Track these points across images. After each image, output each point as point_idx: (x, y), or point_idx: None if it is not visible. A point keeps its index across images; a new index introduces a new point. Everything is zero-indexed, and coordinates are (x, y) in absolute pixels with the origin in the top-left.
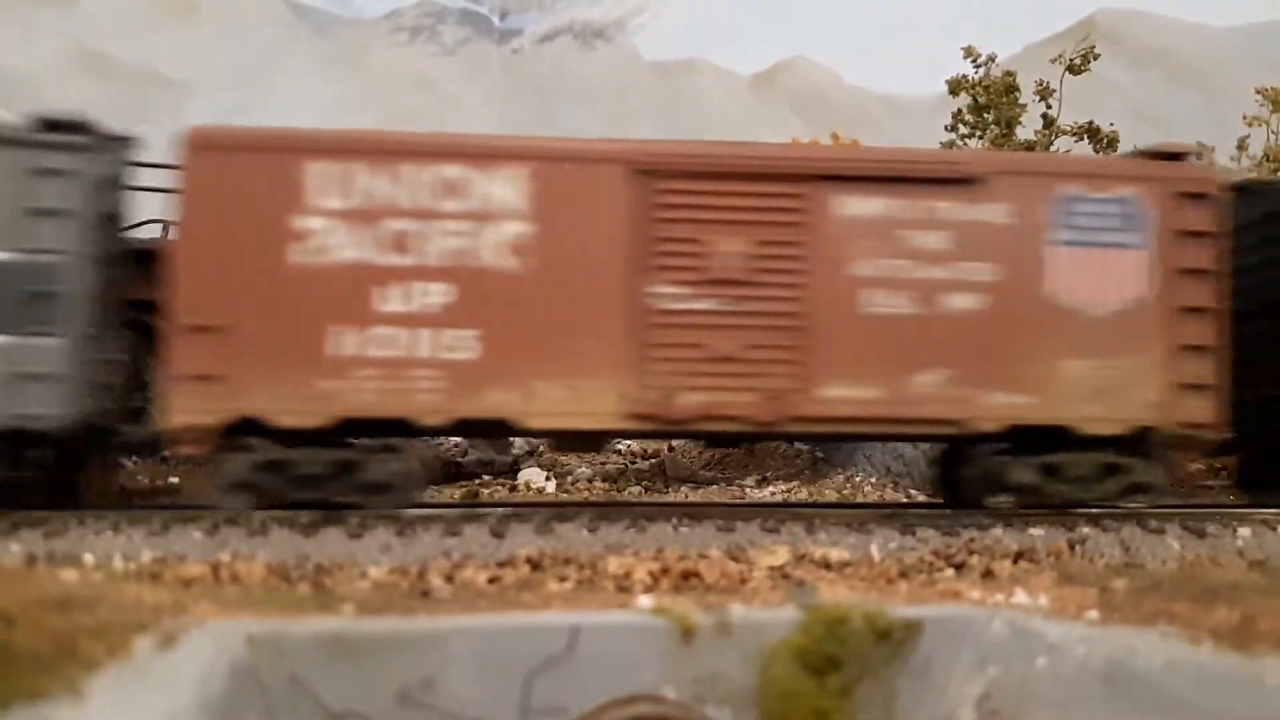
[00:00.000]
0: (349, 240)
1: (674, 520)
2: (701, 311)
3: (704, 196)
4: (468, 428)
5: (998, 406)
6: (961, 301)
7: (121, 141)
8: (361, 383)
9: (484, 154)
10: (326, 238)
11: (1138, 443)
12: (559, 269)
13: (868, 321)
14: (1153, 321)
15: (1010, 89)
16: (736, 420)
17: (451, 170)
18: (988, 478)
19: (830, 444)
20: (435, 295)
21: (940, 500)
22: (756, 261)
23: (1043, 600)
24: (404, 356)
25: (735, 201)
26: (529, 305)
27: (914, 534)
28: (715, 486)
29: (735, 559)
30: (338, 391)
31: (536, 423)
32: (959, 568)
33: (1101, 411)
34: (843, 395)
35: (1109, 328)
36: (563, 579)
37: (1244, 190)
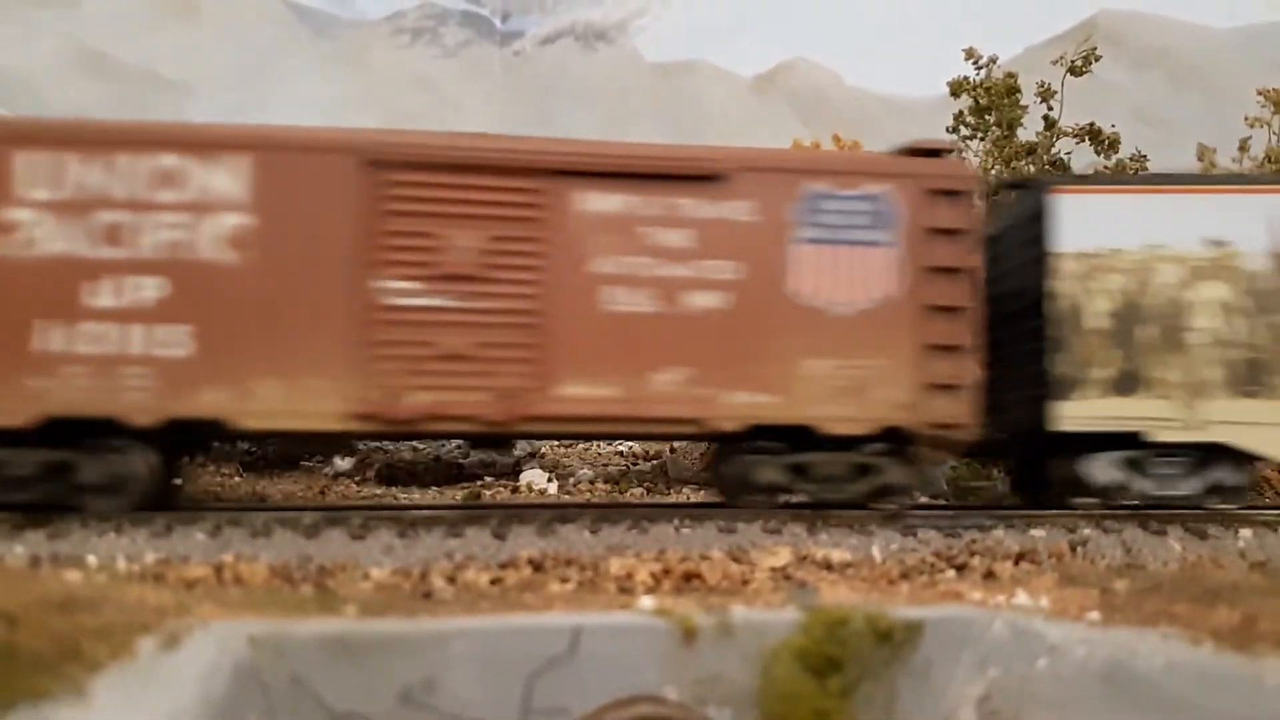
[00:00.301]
0: (58, 233)
1: (676, 521)
2: (432, 308)
3: (437, 189)
4: (182, 429)
5: (739, 406)
6: (703, 300)
7: None
8: (69, 380)
9: (204, 143)
10: (34, 230)
11: (905, 443)
12: (281, 263)
13: (607, 319)
14: (901, 320)
15: (1011, 90)
16: (467, 420)
17: (169, 160)
18: (738, 477)
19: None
20: (148, 290)
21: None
22: (491, 257)
23: (1044, 601)
24: (115, 353)
25: (470, 195)
26: (247, 301)
27: (915, 535)
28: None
29: (737, 560)
30: (45, 389)
31: (253, 423)
32: (960, 569)
33: (847, 411)
34: (580, 394)
35: (855, 327)
36: (564, 580)
37: (1015, 188)
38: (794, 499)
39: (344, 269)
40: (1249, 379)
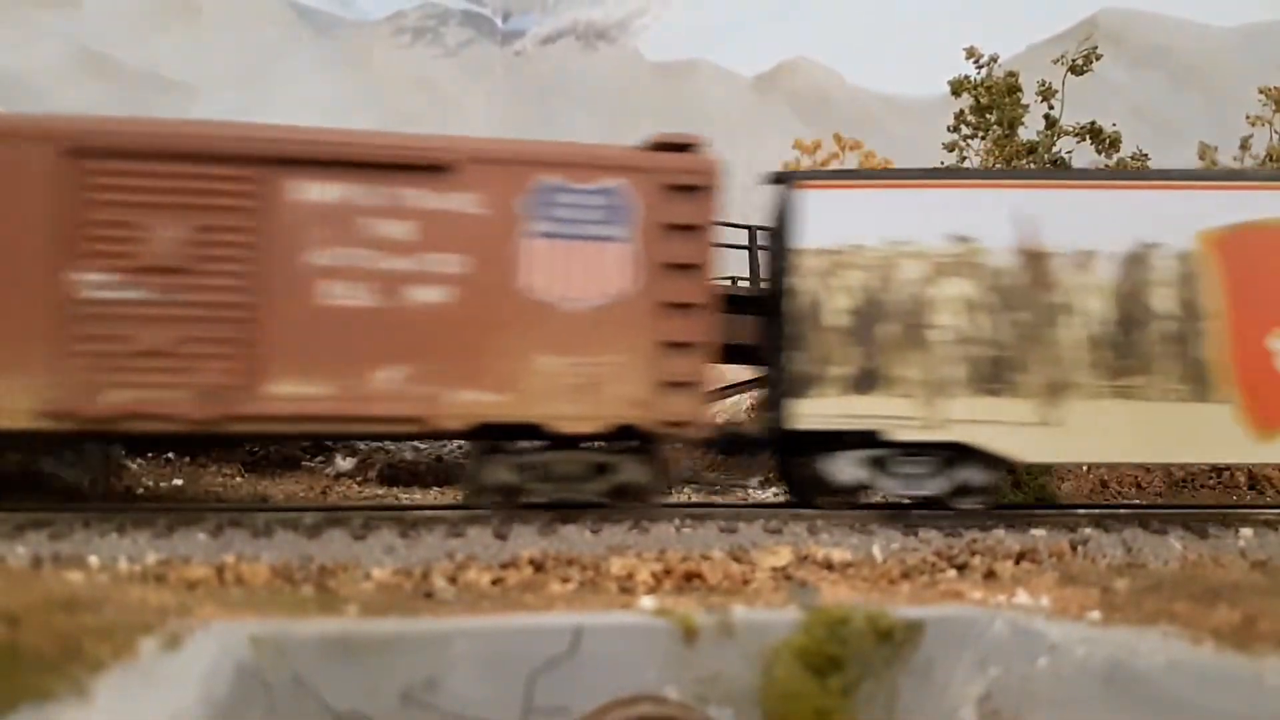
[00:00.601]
0: None
1: (677, 521)
2: (131, 301)
3: (140, 178)
4: None
5: (464, 404)
6: (427, 295)
7: None
8: None
9: None
10: None
11: (649, 441)
12: None
13: (324, 314)
14: (636, 317)
15: (1012, 89)
16: (169, 419)
17: None
18: (471, 477)
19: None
20: None
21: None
22: (197, 248)
23: (1044, 601)
24: None
25: (174, 184)
26: None
27: (916, 535)
28: (718, 487)
29: (738, 560)
30: None
31: None
32: (961, 568)
33: (579, 409)
34: (293, 392)
35: (588, 323)
36: (566, 580)
37: (776, 182)
38: (534, 500)
39: (37, 261)
40: (992, 377)
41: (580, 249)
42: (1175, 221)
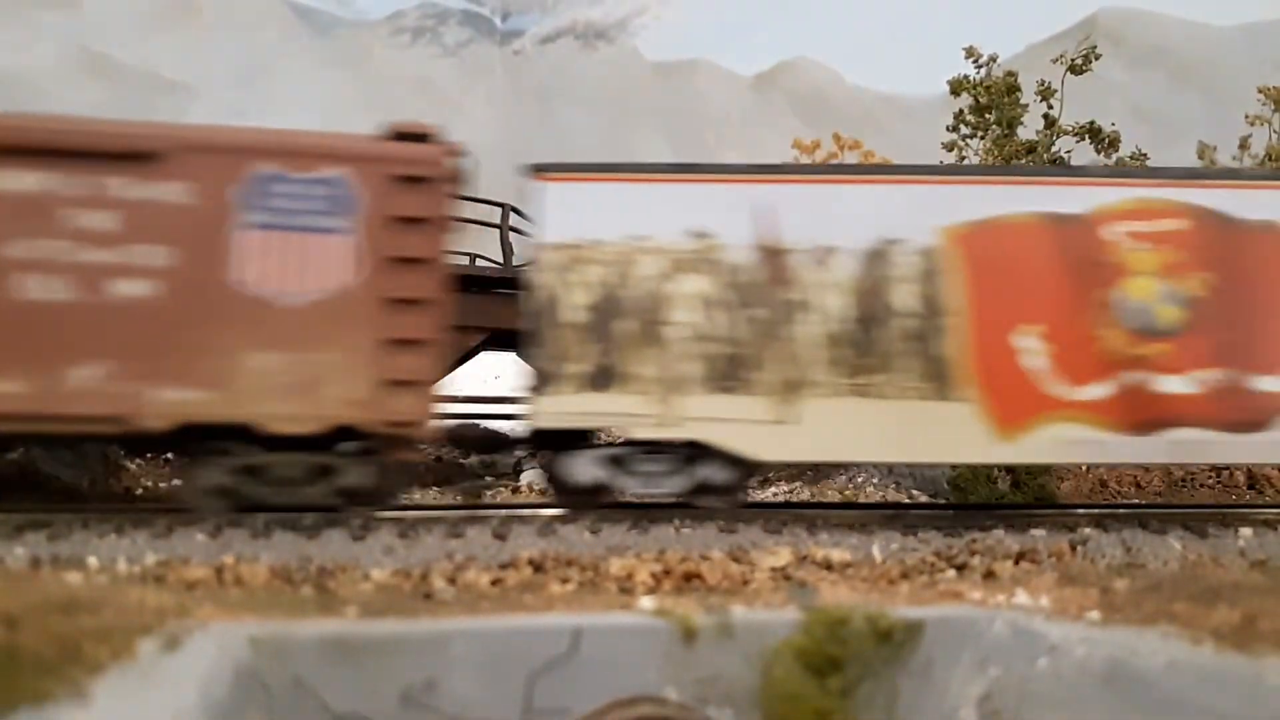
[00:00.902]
0: None
1: (676, 522)
2: None
3: None
4: None
5: (168, 403)
6: (130, 288)
7: None
8: None
9: None
10: None
11: (379, 442)
12: None
13: (15, 310)
14: (357, 313)
15: (1012, 89)
16: None
17: None
18: (190, 480)
19: None
20: None
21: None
22: None
23: (1044, 601)
24: None
25: None
26: None
27: (916, 535)
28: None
29: (737, 560)
30: None
31: None
32: (960, 568)
33: (294, 409)
34: None
35: (306, 319)
36: (565, 581)
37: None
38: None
39: None
40: (728, 375)
41: (299, 241)
42: (918, 217)
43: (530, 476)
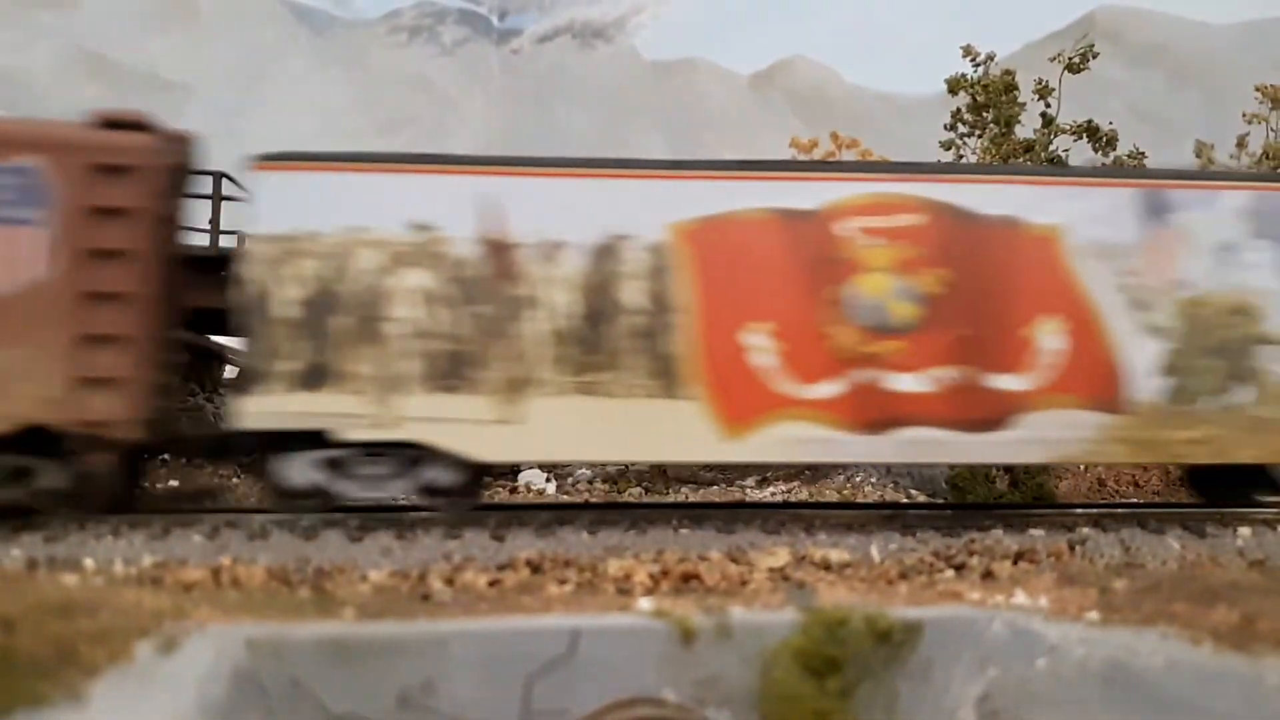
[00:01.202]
0: None
1: (674, 522)
2: None
3: None
4: None
5: None
6: None
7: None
8: None
9: None
10: None
11: (82, 443)
12: None
13: None
14: (51, 308)
15: (1009, 88)
16: None
17: None
18: None
19: None
20: None
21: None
22: None
23: (1043, 601)
24: None
25: None
26: None
27: (914, 535)
28: (716, 487)
29: (735, 561)
30: None
31: None
32: (959, 569)
33: None
34: None
35: None
36: (563, 582)
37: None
38: None
39: None
40: (450, 373)
41: None
42: (648, 212)
43: (528, 477)
